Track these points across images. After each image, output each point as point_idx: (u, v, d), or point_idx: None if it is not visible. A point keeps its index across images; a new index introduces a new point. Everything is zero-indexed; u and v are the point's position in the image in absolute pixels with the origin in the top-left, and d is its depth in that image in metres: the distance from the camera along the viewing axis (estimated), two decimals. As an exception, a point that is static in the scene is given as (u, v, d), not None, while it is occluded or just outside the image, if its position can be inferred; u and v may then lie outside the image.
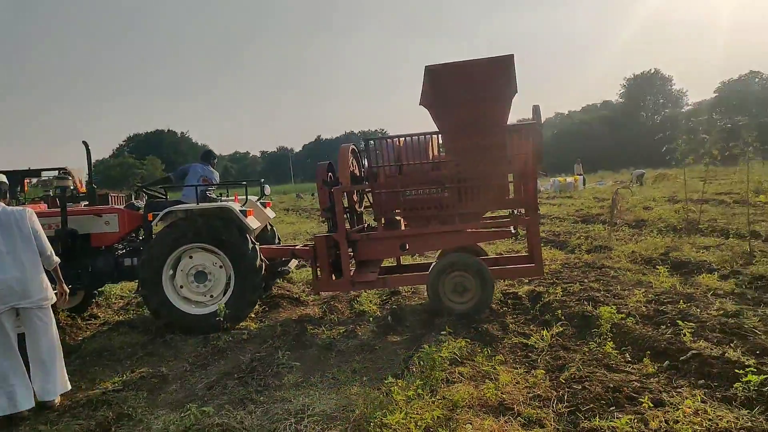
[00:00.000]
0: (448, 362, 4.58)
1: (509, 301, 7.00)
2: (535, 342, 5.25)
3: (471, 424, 3.52)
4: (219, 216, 6.57)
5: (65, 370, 4.69)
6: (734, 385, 3.72)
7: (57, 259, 4.74)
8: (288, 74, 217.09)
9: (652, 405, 3.58)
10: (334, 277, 6.72)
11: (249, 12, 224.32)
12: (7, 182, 4.81)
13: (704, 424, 3.31)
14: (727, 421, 3.33)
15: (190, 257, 6.56)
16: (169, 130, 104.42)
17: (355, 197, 7.43)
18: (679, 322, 5.16)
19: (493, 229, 7.03)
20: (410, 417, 3.58)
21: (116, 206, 7.21)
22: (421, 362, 4.49)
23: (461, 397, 3.89)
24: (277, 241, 8.33)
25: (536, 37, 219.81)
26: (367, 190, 7.07)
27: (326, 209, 6.89)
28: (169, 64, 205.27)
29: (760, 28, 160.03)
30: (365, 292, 7.61)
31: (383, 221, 6.85)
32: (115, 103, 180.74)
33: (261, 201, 7.86)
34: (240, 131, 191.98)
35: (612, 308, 5.50)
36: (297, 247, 7.50)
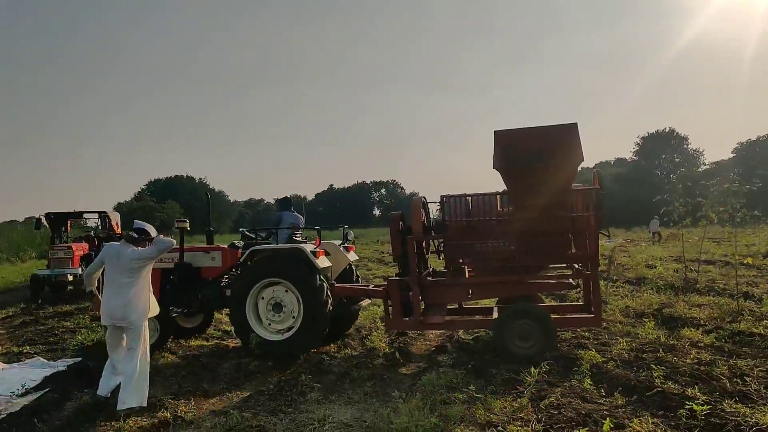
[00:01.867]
0: (446, 388, 5.41)
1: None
2: (524, 377, 6.02)
3: (461, 430, 4.32)
4: (292, 255, 7.56)
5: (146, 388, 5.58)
6: (679, 412, 4.51)
7: None
8: (300, 124, 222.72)
9: (612, 426, 4.36)
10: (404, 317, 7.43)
11: (264, 61, 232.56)
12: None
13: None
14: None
15: (271, 290, 7.58)
16: (187, 176, 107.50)
17: (423, 245, 8.16)
18: (653, 366, 5.95)
19: (554, 282, 7.72)
20: (412, 423, 4.40)
21: (221, 245, 8.46)
22: (423, 387, 5.32)
23: (455, 414, 4.72)
24: (355, 280, 9.13)
25: (548, 92, 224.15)
26: (439, 240, 7.81)
27: (399, 255, 7.72)
28: (184, 111, 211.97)
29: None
30: (375, 331, 8.47)
31: (451, 269, 7.61)
32: (133, 149, 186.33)
33: (345, 245, 8.76)
34: (254, 178, 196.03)
35: (594, 352, 6.28)
36: (371, 288, 8.41)
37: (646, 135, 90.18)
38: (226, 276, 8.44)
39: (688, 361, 6.36)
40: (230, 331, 9.41)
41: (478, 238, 7.29)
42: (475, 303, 9.21)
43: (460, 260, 7.60)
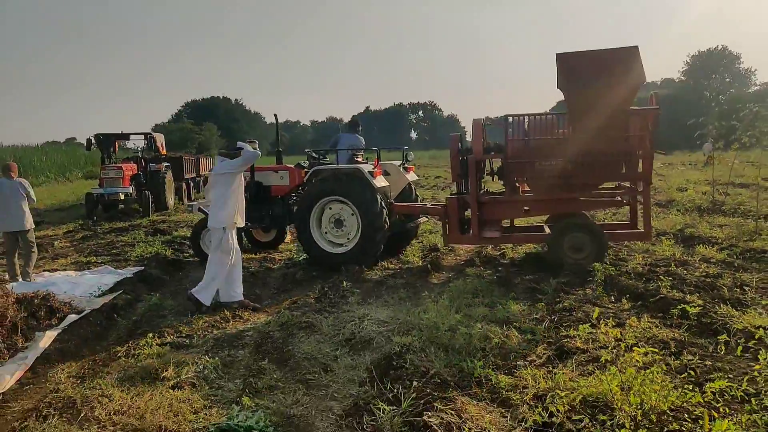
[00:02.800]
0: (471, 294, 6.09)
1: (530, 259, 8.39)
2: (544, 286, 6.67)
3: (481, 327, 5.02)
4: (350, 175, 8.08)
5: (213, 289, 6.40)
6: (671, 311, 5.10)
7: None
8: (338, 45, 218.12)
9: (613, 324, 4.98)
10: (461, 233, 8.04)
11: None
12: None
13: (640, 335, 4.72)
14: (660, 333, 4.73)
15: (330, 208, 8.15)
16: (224, 97, 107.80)
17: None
18: (662, 278, 6.49)
19: (605, 199, 8.16)
20: (439, 319, 5.12)
21: (288, 165, 9.11)
22: (451, 292, 6.02)
23: (477, 313, 5.41)
24: (414, 199, 9.62)
25: (598, 8, 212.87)
26: (498, 159, 8.16)
27: (459, 174, 8.20)
28: (223, 30, 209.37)
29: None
30: (410, 247, 9.16)
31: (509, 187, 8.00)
32: (171, 69, 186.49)
33: (404, 166, 9.24)
34: (291, 100, 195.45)
35: (609, 266, 6.85)
36: (428, 206, 9.05)
37: (696, 53, 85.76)
38: (294, 194, 9.07)
39: (697, 274, 6.88)
40: (249, 245, 10.19)
41: (537, 157, 7.66)
42: (524, 221, 9.60)
43: (518, 178, 7.98)
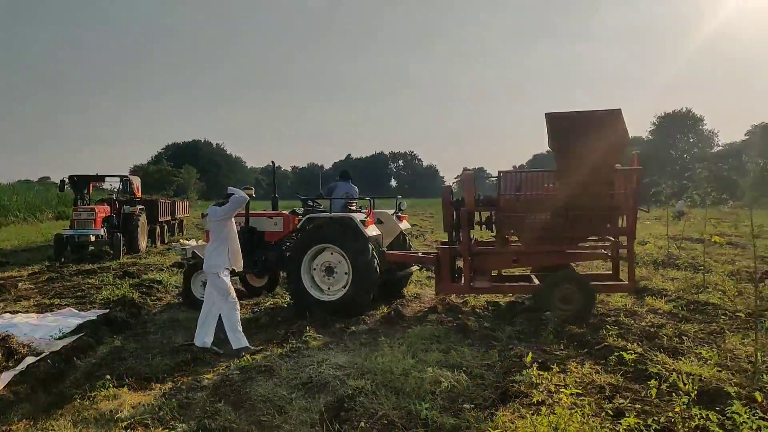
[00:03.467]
0: (428, 340, 6.34)
1: (490, 307, 8.69)
2: (499, 334, 6.95)
3: (433, 371, 5.25)
4: (342, 223, 8.20)
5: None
6: (609, 358, 5.41)
7: None
8: (321, 92, 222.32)
9: (558, 370, 5.26)
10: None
11: (286, 26, 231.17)
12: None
13: (580, 379, 5.01)
14: (599, 378, 5.02)
15: (321, 256, 8.25)
16: (205, 141, 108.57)
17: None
18: (609, 327, 6.84)
19: (590, 252, 8.49)
20: (393, 364, 5.35)
21: (283, 212, 9.22)
22: (409, 338, 6.26)
23: (431, 358, 5.66)
24: (408, 247, 9.84)
25: (567, 68, 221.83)
26: (488, 211, 8.36)
27: (451, 224, 8.50)
28: (207, 75, 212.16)
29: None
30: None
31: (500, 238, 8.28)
32: (152, 111, 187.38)
33: (397, 215, 9.46)
34: (272, 145, 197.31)
35: (561, 315, 7.17)
36: (421, 255, 9.28)
37: (663, 115, 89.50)
38: (288, 240, 9.13)
39: (643, 324, 7.24)
40: (243, 290, 10.39)
41: (528, 211, 7.98)
42: (508, 271, 9.78)
43: (510, 231, 8.22)
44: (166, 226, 21.13)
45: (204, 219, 8.58)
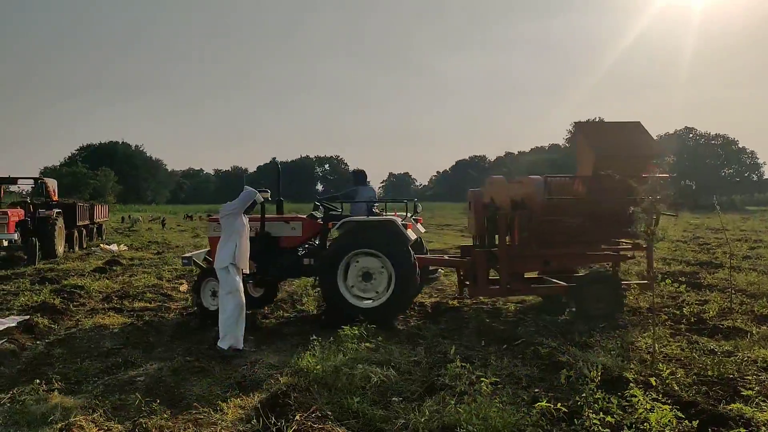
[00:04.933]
0: (358, 339, 6.58)
1: (416, 307, 9.06)
2: (425, 332, 7.31)
3: (363, 368, 5.51)
4: (385, 227, 7.96)
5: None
6: (525, 352, 5.89)
7: None
8: (242, 94, 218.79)
9: (480, 364, 5.66)
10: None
11: (210, 26, 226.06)
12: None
13: (500, 371, 5.44)
14: (517, 370, 5.47)
15: (357, 261, 7.85)
16: (123, 142, 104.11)
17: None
18: (527, 324, 7.36)
19: (614, 253, 8.77)
20: (325, 362, 5.56)
21: (301, 216, 8.76)
22: (339, 338, 6.48)
23: (361, 356, 5.91)
24: (425, 252, 9.59)
25: (491, 76, 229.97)
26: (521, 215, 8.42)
27: (485, 229, 8.62)
28: (124, 73, 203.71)
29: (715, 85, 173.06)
30: (305, 296, 9.58)
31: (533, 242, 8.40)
32: (64, 111, 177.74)
33: (414, 217, 9.12)
34: (194, 148, 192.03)
35: (484, 315, 7.64)
36: (455, 259, 9.32)
37: (576, 122, 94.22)
38: (306, 246, 8.77)
39: (560, 320, 7.82)
40: (172, 294, 10.28)
41: (560, 215, 8.26)
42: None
43: (545, 234, 8.37)
44: (84, 231, 20.30)
45: (209, 223, 8.34)
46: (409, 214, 8.91)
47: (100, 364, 6.06)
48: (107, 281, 11.78)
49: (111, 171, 77.87)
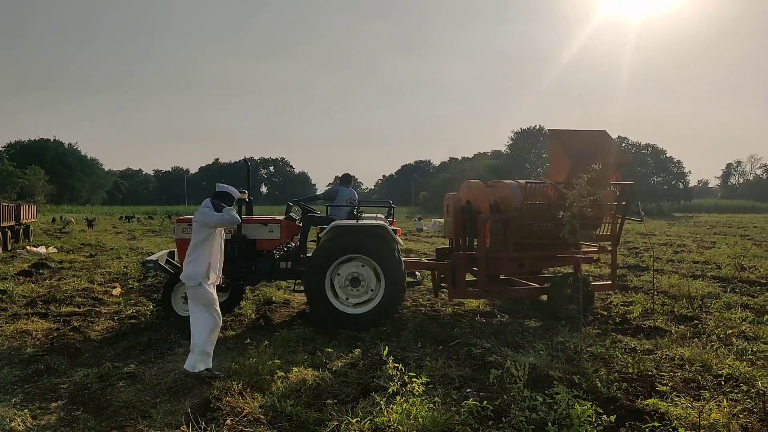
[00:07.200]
0: (295, 342, 6.56)
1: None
2: (363, 335, 7.35)
3: (298, 371, 5.50)
4: (375, 232, 7.85)
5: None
6: (460, 353, 6.03)
7: None
8: (185, 93, 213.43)
9: (415, 365, 5.75)
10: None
11: (150, 23, 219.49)
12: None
13: (434, 372, 5.53)
14: (450, 371, 5.58)
15: (345, 266, 7.71)
16: (55, 140, 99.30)
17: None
18: (463, 326, 7.51)
19: (583, 256, 8.90)
20: (260, 365, 5.51)
21: (279, 218, 8.41)
22: (276, 341, 6.44)
23: (298, 359, 5.89)
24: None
25: (436, 82, 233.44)
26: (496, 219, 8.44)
27: (463, 231, 8.63)
28: (60, 70, 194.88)
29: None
30: (244, 301, 9.45)
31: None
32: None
33: (389, 221, 8.81)
34: (133, 147, 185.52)
35: (422, 317, 7.75)
36: (433, 262, 9.22)
37: (519, 130, 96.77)
38: (284, 248, 8.52)
39: (494, 322, 8.03)
40: (104, 299, 9.91)
41: (536, 219, 8.44)
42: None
43: (522, 238, 8.49)
44: (9, 232, 19.27)
45: (177, 224, 7.73)
46: (389, 219, 8.85)
47: (19, 371, 5.79)
48: (32, 285, 11.23)
49: (41, 170, 74.14)
